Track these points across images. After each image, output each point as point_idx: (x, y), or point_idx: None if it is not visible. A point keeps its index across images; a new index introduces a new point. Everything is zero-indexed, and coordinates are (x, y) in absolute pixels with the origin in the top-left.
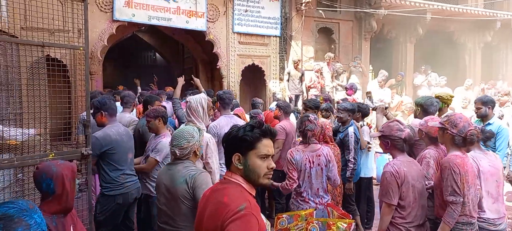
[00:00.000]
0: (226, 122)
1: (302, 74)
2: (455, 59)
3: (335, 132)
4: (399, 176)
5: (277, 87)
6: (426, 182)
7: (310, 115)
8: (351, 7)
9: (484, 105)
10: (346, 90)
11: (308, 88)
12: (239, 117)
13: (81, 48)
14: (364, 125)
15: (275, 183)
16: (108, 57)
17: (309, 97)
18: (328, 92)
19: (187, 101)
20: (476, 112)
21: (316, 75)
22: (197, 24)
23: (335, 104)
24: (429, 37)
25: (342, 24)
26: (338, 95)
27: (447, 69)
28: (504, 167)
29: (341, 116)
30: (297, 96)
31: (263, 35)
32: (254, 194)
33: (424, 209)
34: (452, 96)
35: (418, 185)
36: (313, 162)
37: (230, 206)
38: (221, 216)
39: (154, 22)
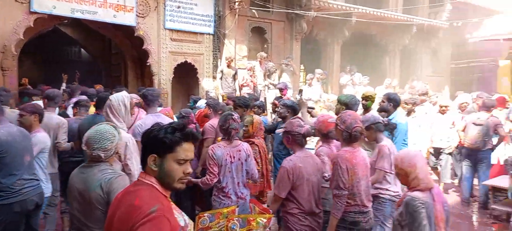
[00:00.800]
0: (152, 120)
1: (235, 73)
2: (377, 60)
3: (274, 128)
4: (293, 172)
5: (211, 85)
6: (324, 178)
7: (234, 114)
8: (282, 8)
9: (388, 101)
10: (281, 91)
11: (241, 87)
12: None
13: None
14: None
15: (193, 179)
16: (26, 51)
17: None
18: (260, 91)
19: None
20: (379, 105)
21: (249, 74)
22: (126, 19)
23: (267, 103)
24: (355, 39)
25: (274, 24)
26: (270, 94)
27: (370, 70)
28: None
29: (281, 111)
30: (230, 94)
31: (196, 33)
32: (168, 196)
33: (318, 200)
34: (375, 95)
35: (313, 178)
36: (233, 157)
37: (142, 208)
38: (131, 219)
39: (77, 15)
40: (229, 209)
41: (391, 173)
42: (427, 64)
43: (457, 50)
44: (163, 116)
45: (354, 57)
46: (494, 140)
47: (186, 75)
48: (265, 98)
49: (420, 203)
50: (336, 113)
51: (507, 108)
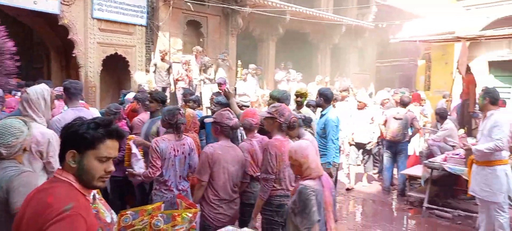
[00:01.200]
0: (73, 115)
1: (170, 66)
2: (309, 57)
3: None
4: (212, 158)
5: (144, 79)
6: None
7: (181, 109)
8: (218, 2)
9: (319, 97)
10: (220, 86)
11: (176, 81)
12: None
13: None
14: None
15: (135, 172)
16: None
17: (176, 90)
18: (196, 85)
19: (23, 93)
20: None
21: (184, 68)
22: (48, 6)
23: (203, 98)
24: (289, 36)
25: (210, 19)
26: (206, 89)
27: (303, 67)
28: None
29: (215, 110)
30: (164, 89)
31: (127, 24)
32: (88, 195)
33: (234, 188)
34: (307, 92)
35: (231, 167)
36: (177, 151)
37: (54, 206)
38: (42, 218)
39: None
40: (155, 206)
41: None
42: (354, 63)
43: (382, 50)
44: (86, 110)
45: (288, 54)
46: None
47: (116, 68)
48: (200, 93)
49: (311, 191)
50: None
51: (422, 104)
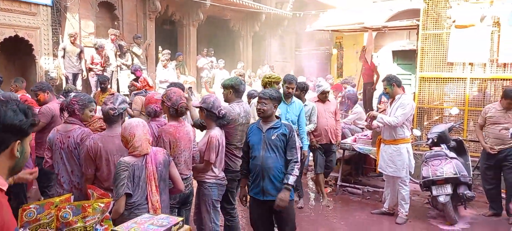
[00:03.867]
0: None
1: (81, 51)
2: (231, 44)
3: None
4: (92, 150)
5: (51, 65)
6: None
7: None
8: None
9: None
10: (134, 73)
11: (88, 68)
12: None
13: None
14: None
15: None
16: None
17: (90, 77)
18: (113, 71)
19: None
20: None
21: (98, 52)
22: None
23: (119, 84)
24: (210, 22)
25: (125, 1)
26: (123, 75)
27: (226, 53)
28: None
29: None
30: (75, 75)
31: (28, 3)
32: (4, 187)
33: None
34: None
35: (115, 158)
36: (63, 143)
37: None
38: None
39: None
40: (63, 197)
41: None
42: (275, 51)
43: (300, 38)
44: None
45: (211, 40)
46: None
47: (18, 51)
48: (117, 79)
49: (125, 165)
50: (226, 99)
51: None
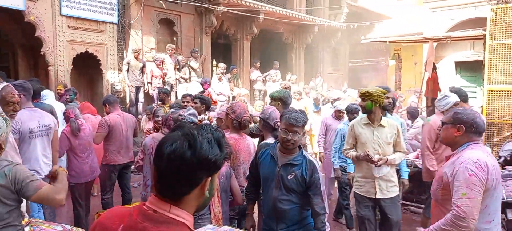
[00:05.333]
0: (28, 116)
1: (143, 66)
2: (284, 57)
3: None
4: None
5: (116, 78)
6: None
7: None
8: (191, 0)
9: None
10: (202, 85)
11: (150, 82)
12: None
13: None
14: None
15: None
16: None
17: (151, 89)
18: (172, 84)
19: None
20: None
21: (158, 65)
22: (12, 1)
23: (179, 97)
24: (263, 36)
25: (183, 17)
26: (181, 88)
27: (278, 66)
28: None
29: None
30: (137, 88)
31: (97, 21)
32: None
33: None
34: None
35: None
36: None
37: None
38: None
39: None
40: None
41: None
42: (328, 62)
43: (354, 49)
44: (40, 111)
45: (262, 53)
46: None
47: (87, 66)
48: (176, 92)
49: None
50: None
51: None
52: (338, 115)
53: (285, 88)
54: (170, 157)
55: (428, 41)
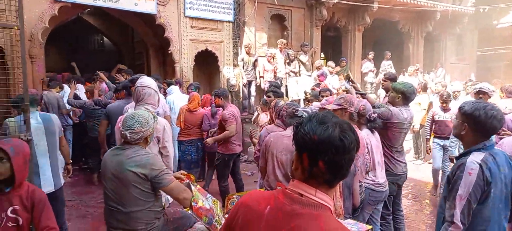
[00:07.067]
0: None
1: (255, 60)
2: (399, 47)
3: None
4: (265, 145)
5: (231, 73)
6: None
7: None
8: None
9: (388, 80)
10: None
11: (262, 75)
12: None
13: (16, 27)
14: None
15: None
16: (52, 40)
17: (263, 83)
18: (282, 78)
19: (136, 86)
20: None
21: (269, 60)
22: (147, 6)
23: (288, 90)
24: (376, 25)
25: (294, 12)
26: (291, 81)
27: (393, 57)
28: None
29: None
30: (250, 82)
31: (216, 20)
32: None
33: (280, 176)
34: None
35: (281, 156)
36: None
37: None
38: None
39: (99, 3)
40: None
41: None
42: (451, 51)
43: (484, 36)
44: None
45: (375, 43)
46: None
47: (206, 63)
48: (286, 86)
49: None
50: (393, 104)
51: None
52: None
53: (389, 79)
54: (343, 149)
55: None
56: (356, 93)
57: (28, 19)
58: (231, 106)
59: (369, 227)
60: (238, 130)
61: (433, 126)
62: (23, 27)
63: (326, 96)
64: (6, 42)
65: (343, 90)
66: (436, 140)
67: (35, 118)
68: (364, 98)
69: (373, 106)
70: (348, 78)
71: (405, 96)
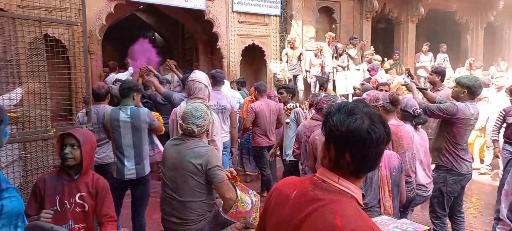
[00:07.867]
0: (214, 96)
1: (301, 54)
2: (456, 39)
3: None
4: (311, 144)
5: (278, 68)
6: None
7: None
8: None
9: (434, 73)
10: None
11: (307, 70)
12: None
13: (79, 24)
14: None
15: None
16: (107, 37)
17: (309, 78)
18: (329, 72)
19: (188, 80)
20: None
21: (316, 54)
22: (196, 3)
23: (336, 85)
24: (431, 16)
25: (343, 4)
26: (339, 76)
27: (449, 49)
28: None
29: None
30: (295, 76)
31: (263, 15)
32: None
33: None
34: None
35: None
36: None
37: None
38: None
39: (152, 0)
40: None
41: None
42: None
43: None
44: (223, 94)
45: (429, 36)
46: None
47: (254, 57)
48: (334, 80)
49: None
50: (458, 98)
51: None
52: None
53: (436, 73)
54: (370, 142)
55: None
56: (417, 88)
57: (87, 17)
58: (262, 100)
59: (427, 227)
60: (265, 124)
61: (505, 130)
62: (86, 24)
63: (385, 91)
64: (69, 38)
65: (402, 85)
66: (507, 146)
67: (126, 112)
68: (424, 94)
69: (434, 102)
70: (408, 73)
71: (470, 91)
